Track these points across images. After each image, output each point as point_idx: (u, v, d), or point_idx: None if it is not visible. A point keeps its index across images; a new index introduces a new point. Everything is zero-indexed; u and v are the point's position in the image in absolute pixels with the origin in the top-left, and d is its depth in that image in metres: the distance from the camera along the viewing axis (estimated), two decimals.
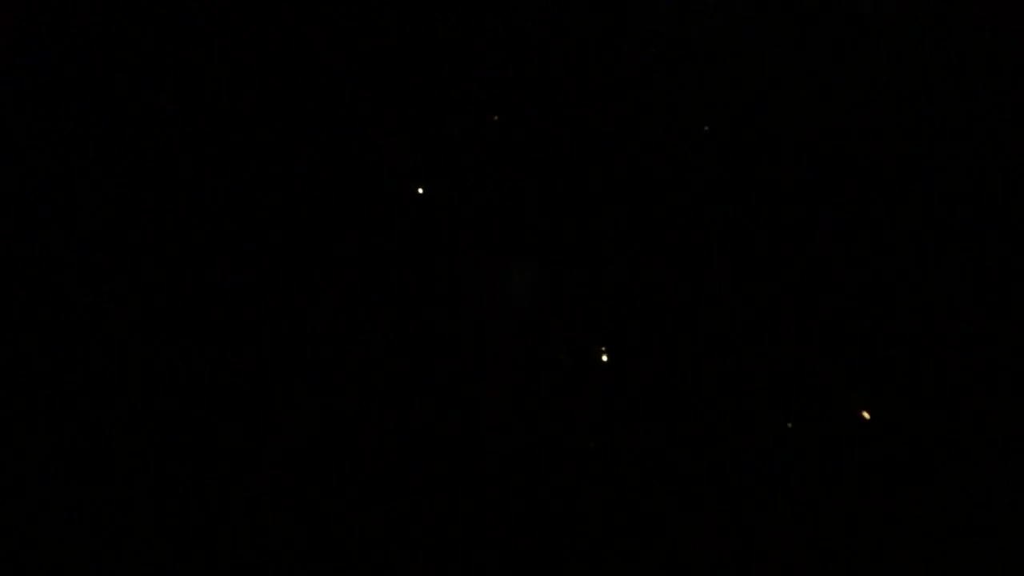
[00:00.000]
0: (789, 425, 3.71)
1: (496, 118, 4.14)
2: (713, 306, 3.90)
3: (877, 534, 3.56)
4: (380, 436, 3.73)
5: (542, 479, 3.68)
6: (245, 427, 3.72)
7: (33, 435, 3.67)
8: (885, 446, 3.68)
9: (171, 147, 4.07)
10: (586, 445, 3.74)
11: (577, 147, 4.11)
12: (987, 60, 4.09)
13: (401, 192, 4.08)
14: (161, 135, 4.08)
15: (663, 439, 3.73)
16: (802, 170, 4.03)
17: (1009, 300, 3.82)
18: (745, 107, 4.11)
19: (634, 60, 4.18)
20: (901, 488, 3.63)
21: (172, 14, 4.19)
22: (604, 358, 3.82)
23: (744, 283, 3.92)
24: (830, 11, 4.17)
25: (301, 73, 4.15)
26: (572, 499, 3.65)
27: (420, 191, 4.07)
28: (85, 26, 4.17)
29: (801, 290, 3.90)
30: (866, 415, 3.65)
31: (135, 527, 3.56)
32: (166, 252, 3.93)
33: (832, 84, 4.10)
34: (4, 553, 3.50)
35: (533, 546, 3.59)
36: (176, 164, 4.04)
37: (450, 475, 3.67)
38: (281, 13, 4.20)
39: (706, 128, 4.07)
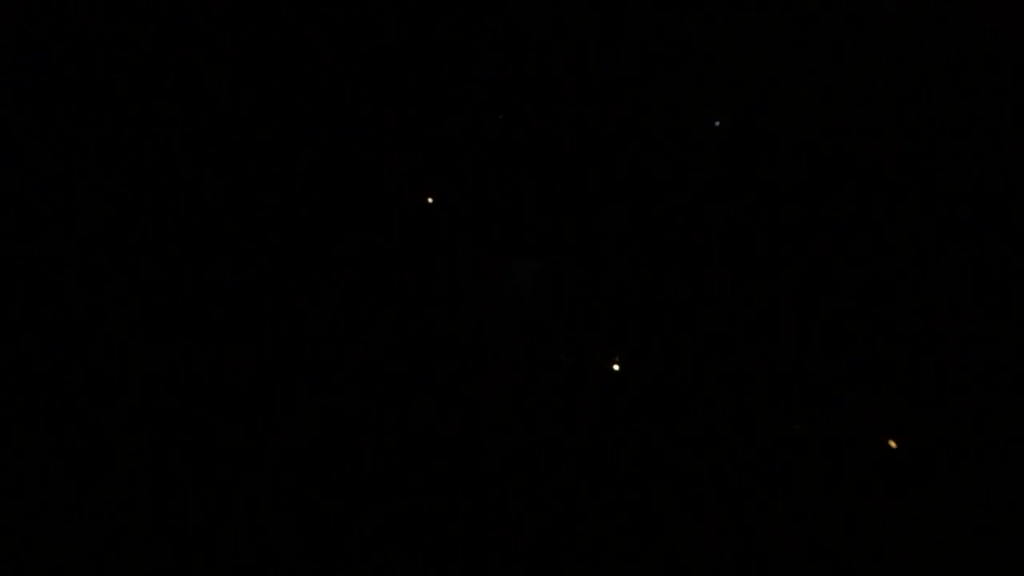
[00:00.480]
0: (795, 427, 3.71)
1: (501, 117, 4.15)
2: (713, 306, 3.90)
3: (877, 534, 3.56)
4: (380, 436, 3.73)
5: (542, 479, 3.68)
6: (245, 427, 3.72)
7: (33, 435, 3.67)
8: (884, 446, 3.68)
9: (171, 147, 4.07)
10: (586, 445, 3.74)
11: (577, 147, 4.11)
12: (987, 60, 4.09)
13: (402, 192, 4.08)
14: (161, 135, 4.08)
15: (663, 439, 3.73)
16: (802, 170, 4.03)
17: (1009, 300, 3.82)
18: (745, 107, 4.11)
19: (634, 60, 4.18)
20: (901, 488, 3.63)
21: (172, 14, 4.19)
22: (616, 367, 3.83)
23: (744, 283, 3.92)
24: (830, 11, 4.16)
25: (301, 73, 4.15)
26: (572, 499, 3.65)
27: (421, 191, 4.07)
28: (85, 26, 4.17)
29: (801, 290, 3.90)
30: (892, 444, 3.66)
31: (135, 527, 3.56)
32: (166, 252, 3.93)
33: (832, 84, 4.10)
34: (4, 553, 3.50)
35: (533, 546, 3.59)
36: (176, 164, 4.04)
37: (450, 475, 3.67)
38: (281, 13, 4.20)
39: (716, 123, 4.07)
